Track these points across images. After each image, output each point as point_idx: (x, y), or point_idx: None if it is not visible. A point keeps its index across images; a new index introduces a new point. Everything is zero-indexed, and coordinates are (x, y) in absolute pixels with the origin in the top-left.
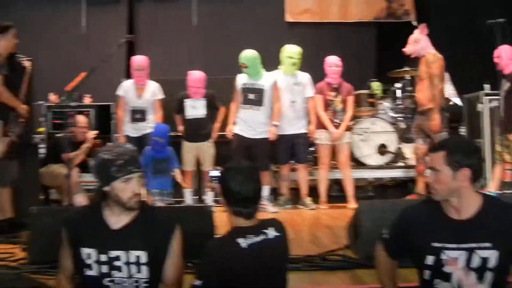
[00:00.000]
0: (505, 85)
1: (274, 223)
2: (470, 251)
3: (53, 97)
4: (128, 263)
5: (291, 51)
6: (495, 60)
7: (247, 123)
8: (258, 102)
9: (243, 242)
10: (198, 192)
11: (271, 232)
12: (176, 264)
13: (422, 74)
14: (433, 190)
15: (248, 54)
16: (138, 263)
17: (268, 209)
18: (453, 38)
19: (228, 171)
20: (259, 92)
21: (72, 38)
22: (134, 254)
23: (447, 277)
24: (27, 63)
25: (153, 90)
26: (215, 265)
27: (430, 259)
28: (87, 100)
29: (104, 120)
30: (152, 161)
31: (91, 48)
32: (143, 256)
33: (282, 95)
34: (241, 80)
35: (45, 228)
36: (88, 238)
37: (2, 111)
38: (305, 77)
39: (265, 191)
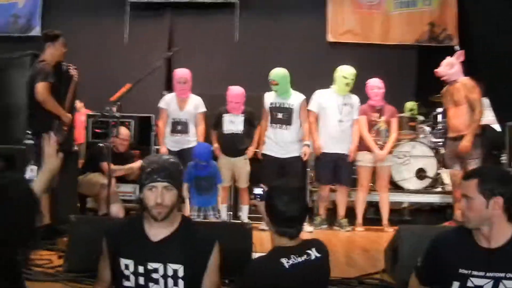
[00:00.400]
0: None
1: (316, 243)
2: (497, 280)
3: (79, 105)
4: (165, 276)
5: (346, 72)
6: None
7: (277, 143)
8: (287, 121)
9: (286, 262)
10: (233, 208)
11: (314, 253)
12: (213, 280)
13: (460, 99)
14: (465, 217)
15: (279, 72)
16: (175, 277)
17: (304, 229)
18: (496, 64)
19: (275, 191)
20: (288, 111)
21: (114, 49)
22: (172, 267)
23: None
24: (73, 72)
25: (196, 103)
26: (257, 285)
27: (455, 285)
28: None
29: (144, 132)
30: (195, 178)
31: (132, 59)
32: (180, 269)
33: (330, 114)
34: (269, 99)
35: (83, 236)
36: (127, 249)
37: (47, 118)
38: (355, 99)
39: None
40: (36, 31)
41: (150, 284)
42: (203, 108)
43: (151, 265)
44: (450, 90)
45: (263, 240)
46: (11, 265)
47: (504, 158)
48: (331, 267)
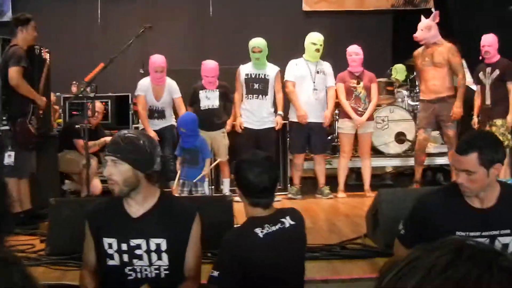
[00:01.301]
0: (494, 73)
1: (290, 212)
2: (492, 238)
3: (74, 88)
4: (148, 251)
5: (314, 38)
6: (487, 48)
7: (253, 114)
8: (263, 91)
9: (260, 232)
10: (215, 181)
11: (288, 221)
12: (196, 252)
13: (442, 61)
14: (466, 189)
15: (261, 40)
16: (158, 251)
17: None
18: (470, 25)
19: (244, 163)
20: (264, 81)
21: (88, 30)
22: (154, 242)
23: None
24: (46, 55)
25: (170, 90)
26: (233, 256)
27: None
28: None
29: (122, 111)
30: (183, 152)
31: (107, 39)
32: (163, 243)
33: (304, 83)
34: (244, 70)
35: (64, 219)
36: (109, 228)
37: (21, 103)
38: (327, 66)
39: None
40: (8, 16)
41: (134, 261)
42: (178, 93)
43: (134, 242)
44: (428, 52)
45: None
46: None
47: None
48: (314, 235)
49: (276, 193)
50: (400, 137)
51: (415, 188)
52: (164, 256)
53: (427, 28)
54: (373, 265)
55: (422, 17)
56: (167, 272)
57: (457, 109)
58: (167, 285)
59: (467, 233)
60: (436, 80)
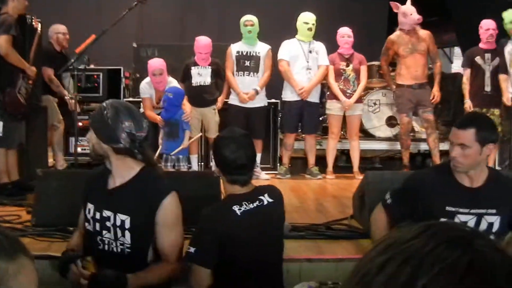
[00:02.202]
0: (495, 60)
1: (269, 189)
2: (479, 216)
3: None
4: (115, 225)
5: (307, 17)
6: (492, 32)
7: (243, 91)
8: (254, 68)
9: (238, 209)
10: (204, 158)
11: (266, 199)
12: (169, 237)
13: (424, 49)
14: (458, 163)
15: (253, 16)
16: (122, 227)
17: (260, 177)
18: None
19: (221, 140)
20: (255, 58)
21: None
22: (120, 217)
23: None
24: (38, 25)
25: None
26: (210, 233)
27: None
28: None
29: (113, 84)
30: (165, 124)
31: (102, 11)
32: (127, 221)
33: (296, 62)
34: (235, 48)
35: (51, 190)
36: (92, 194)
37: (11, 72)
38: (319, 46)
39: (258, 158)
40: None
41: (104, 232)
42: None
43: (105, 213)
44: (411, 39)
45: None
46: None
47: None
48: (302, 215)
49: (266, 172)
50: (391, 121)
51: (403, 171)
52: (127, 234)
53: (403, 14)
54: (357, 246)
55: (408, 2)
56: (129, 250)
57: (438, 92)
58: (130, 263)
59: (457, 208)
60: (418, 67)
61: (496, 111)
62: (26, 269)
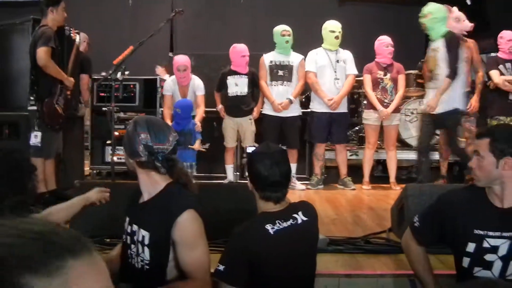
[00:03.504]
0: None
1: (303, 206)
2: None
3: (160, 70)
4: (138, 241)
5: (332, 25)
6: None
7: (278, 101)
8: (288, 78)
9: (271, 228)
10: (240, 168)
11: (300, 217)
12: (192, 256)
13: (468, 57)
14: (474, 175)
15: (288, 27)
16: (143, 243)
17: (296, 187)
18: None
19: (256, 155)
20: (288, 68)
21: (119, 12)
22: (142, 233)
23: (488, 265)
24: (76, 36)
25: (194, 89)
26: (241, 252)
27: (471, 247)
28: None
29: (149, 94)
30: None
31: (137, 22)
32: (147, 237)
33: (324, 72)
34: (268, 58)
35: None
36: (130, 207)
37: (49, 84)
38: (347, 54)
39: (293, 169)
40: None
41: (132, 246)
42: (202, 91)
43: (134, 227)
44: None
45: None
46: None
47: None
48: (338, 227)
49: (301, 182)
50: None
51: (443, 184)
52: (146, 250)
53: (458, 19)
54: (397, 261)
55: (455, 9)
56: (148, 267)
57: (475, 103)
58: (149, 280)
59: (486, 231)
60: (462, 75)
61: None
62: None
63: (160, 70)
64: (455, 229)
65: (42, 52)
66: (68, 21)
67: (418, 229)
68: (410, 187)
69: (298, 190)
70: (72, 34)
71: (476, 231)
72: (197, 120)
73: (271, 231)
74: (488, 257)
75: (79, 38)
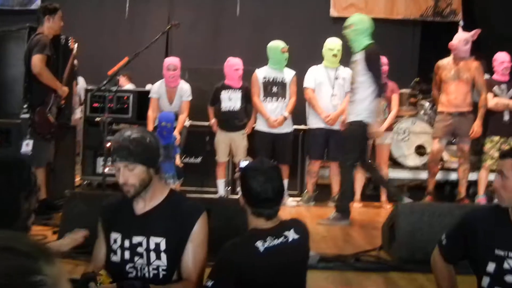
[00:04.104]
0: (511, 91)
1: (295, 224)
2: None
3: (123, 79)
4: (148, 250)
5: (331, 44)
6: (507, 65)
7: (272, 117)
8: (281, 94)
9: (261, 245)
10: (232, 183)
11: (291, 235)
12: (198, 255)
13: (469, 78)
14: (498, 196)
15: (285, 44)
16: (157, 250)
17: (286, 203)
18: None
19: (249, 171)
20: (282, 84)
21: (115, 23)
22: (154, 240)
23: (508, 286)
24: (74, 46)
25: (181, 93)
26: (230, 268)
27: (491, 267)
28: (122, 80)
29: (143, 106)
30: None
31: (133, 34)
32: (162, 242)
33: (322, 89)
34: (261, 73)
35: (77, 212)
36: (117, 223)
37: (42, 92)
38: (346, 72)
39: (285, 184)
40: (37, 4)
41: (135, 258)
42: (189, 97)
43: (136, 239)
44: (456, 66)
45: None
46: None
47: None
48: (329, 244)
49: (292, 199)
50: (420, 150)
51: (434, 203)
52: (163, 256)
53: (465, 41)
54: (387, 279)
55: (460, 29)
56: (165, 273)
57: (478, 128)
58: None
59: (506, 252)
60: (459, 95)
61: None
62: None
63: (122, 80)
64: (477, 248)
65: (37, 60)
66: (65, 31)
67: (445, 246)
68: (401, 205)
69: (289, 207)
70: (70, 44)
71: (497, 251)
72: (177, 131)
73: (261, 248)
74: (509, 278)
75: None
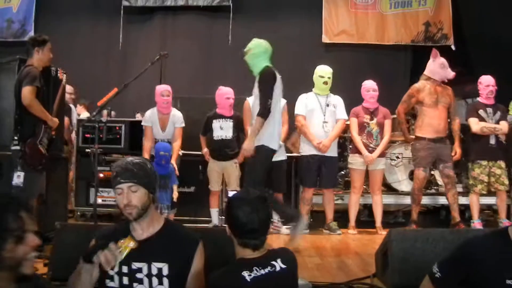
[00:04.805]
0: (496, 114)
1: (282, 253)
2: None
3: (80, 108)
4: (149, 275)
5: (322, 71)
6: (492, 88)
7: None
8: None
9: (247, 275)
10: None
11: (279, 264)
12: (198, 281)
13: (448, 103)
14: None
15: None
16: (160, 275)
17: (281, 231)
18: (490, 64)
19: (235, 201)
20: None
21: (109, 53)
22: (156, 266)
23: None
24: (62, 76)
25: (174, 120)
26: None
27: None
28: (79, 108)
29: (135, 137)
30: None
31: (127, 63)
32: (165, 268)
33: (314, 116)
34: (252, 101)
35: (68, 243)
36: None
37: (33, 123)
38: (337, 99)
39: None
40: (30, 36)
41: (135, 284)
42: (181, 124)
43: (135, 265)
44: (436, 91)
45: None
46: None
47: None
48: (322, 272)
49: (286, 226)
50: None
51: (427, 228)
52: (165, 281)
53: (441, 64)
54: None
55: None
56: None
57: (459, 149)
58: None
59: None
60: (441, 120)
61: (502, 164)
62: None
63: (79, 108)
64: (484, 279)
65: (26, 91)
66: (59, 61)
67: (440, 280)
68: (393, 232)
69: (283, 234)
70: (59, 74)
71: (508, 281)
72: (174, 159)
73: (248, 278)
74: None
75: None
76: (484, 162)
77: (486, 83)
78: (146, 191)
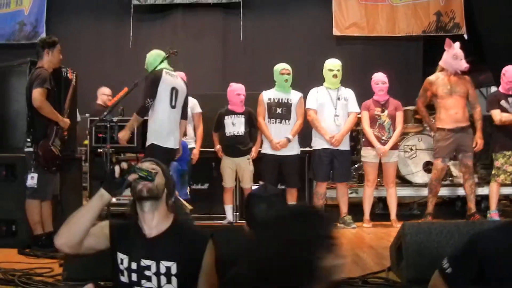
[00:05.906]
0: None
1: None
2: None
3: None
4: (158, 273)
5: (331, 64)
6: None
7: (275, 139)
8: (286, 116)
9: None
10: (240, 209)
11: None
12: (208, 279)
13: (465, 92)
14: None
15: (288, 65)
16: (168, 274)
17: None
18: (501, 53)
19: (252, 198)
20: (287, 106)
21: (119, 52)
22: (164, 264)
23: None
24: (72, 76)
25: (190, 106)
26: None
27: None
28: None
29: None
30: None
31: (137, 62)
32: (173, 267)
33: (324, 109)
34: (267, 95)
35: None
36: (124, 244)
37: (45, 125)
38: (348, 92)
39: None
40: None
41: (143, 281)
42: (198, 109)
43: (144, 262)
44: (450, 81)
45: None
46: None
47: None
48: None
49: None
50: (428, 166)
51: (441, 221)
52: (174, 280)
53: (454, 55)
54: None
55: (457, 45)
56: None
57: (481, 140)
58: None
59: None
60: (458, 109)
61: None
62: None
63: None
64: (497, 274)
65: (37, 93)
66: (69, 61)
67: (452, 275)
68: (407, 225)
69: None
70: (68, 75)
71: None
72: (198, 146)
73: None
74: None
75: (76, 78)
76: (509, 152)
77: (510, 77)
78: (163, 178)
